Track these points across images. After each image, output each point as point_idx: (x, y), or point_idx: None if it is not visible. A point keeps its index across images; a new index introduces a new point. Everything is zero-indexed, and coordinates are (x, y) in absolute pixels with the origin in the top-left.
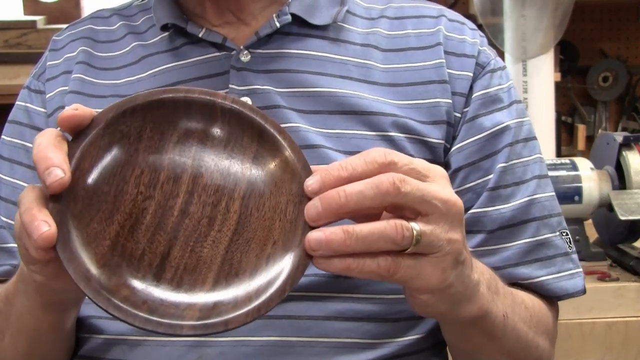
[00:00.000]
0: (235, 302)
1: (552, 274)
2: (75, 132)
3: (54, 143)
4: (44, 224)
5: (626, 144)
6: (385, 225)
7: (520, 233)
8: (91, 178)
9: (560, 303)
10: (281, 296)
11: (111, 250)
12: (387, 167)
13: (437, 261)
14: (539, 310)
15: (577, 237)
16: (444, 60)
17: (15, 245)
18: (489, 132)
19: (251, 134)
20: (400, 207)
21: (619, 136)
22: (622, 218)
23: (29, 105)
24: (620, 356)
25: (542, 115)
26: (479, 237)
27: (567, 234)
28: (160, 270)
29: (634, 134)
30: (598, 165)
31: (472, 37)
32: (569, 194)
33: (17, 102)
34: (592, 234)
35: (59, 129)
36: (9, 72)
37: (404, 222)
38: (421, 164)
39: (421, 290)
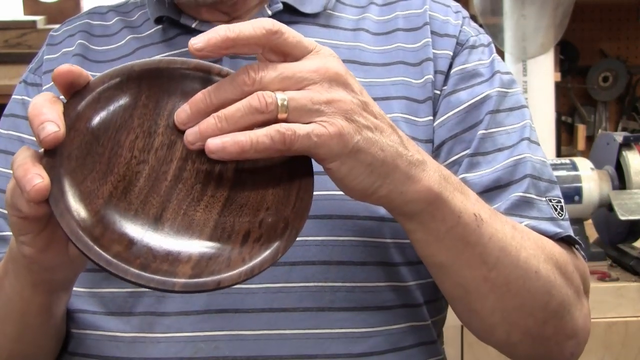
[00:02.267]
0: (228, 262)
1: (540, 220)
2: (71, 93)
3: (49, 101)
4: (37, 177)
5: (626, 144)
6: (248, 99)
7: (510, 191)
8: (86, 138)
9: None
10: (274, 259)
11: (104, 208)
12: (274, 34)
13: (327, 124)
14: (537, 237)
15: (577, 237)
16: (430, 40)
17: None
18: (468, 103)
19: None
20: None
21: (619, 136)
22: (622, 218)
23: (25, 98)
24: (620, 356)
25: (542, 115)
26: None
27: (558, 202)
28: (153, 230)
29: (634, 134)
30: (598, 165)
31: (455, 19)
32: (569, 194)
33: (13, 96)
34: (592, 234)
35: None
36: (9, 72)
37: (265, 92)
38: (308, 41)
39: (326, 158)
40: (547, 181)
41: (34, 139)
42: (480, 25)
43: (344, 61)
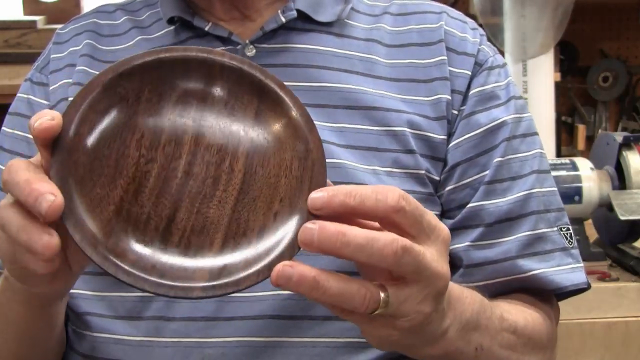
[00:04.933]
0: (245, 262)
1: (552, 267)
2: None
3: (27, 169)
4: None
5: (626, 144)
6: (357, 291)
7: (519, 226)
8: (91, 142)
9: (560, 303)
10: (292, 253)
11: (116, 215)
12: (397, 213)
13: (393, 323)
14: (533, 327)
15: (577, 237)
16: (445, 58)
17: None
18: (485, 128)
19: (251, 90)
20: (390, 269)
21: (619, 136)
22: (622, 218)
23: (31, 97)
24: (620, 356)
25: (542, 115)
26: (477, 231)
27: (567, 229)
28: (166, 233)
29: (634, 134)
30: (598, 165)
31: (472, 37)
32: (569, 194)
33: (18, 94)
34: (592, 234)
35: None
36: (9, 72)
37: (375, 294)
38: (429, 220)
39: (369, 335)
40: (556, 210)
41: None
42: (480, 26)
43: (356, 73)
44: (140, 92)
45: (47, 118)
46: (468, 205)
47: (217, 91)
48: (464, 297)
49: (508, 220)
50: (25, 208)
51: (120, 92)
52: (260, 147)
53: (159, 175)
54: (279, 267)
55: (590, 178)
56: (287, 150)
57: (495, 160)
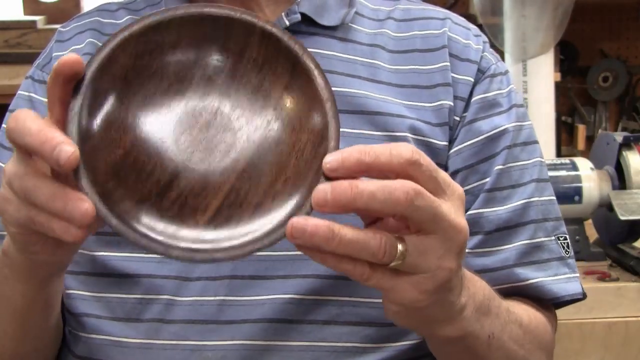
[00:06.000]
0: (228, 239)
1: (549, 277)
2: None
3: (40, 120)
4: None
5: (626, 144)
6: (372, 238)
7: (517, 235)
8: (114, 90)
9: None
10: (272, 238)
11: (122, 160)
12: (412, 165)
13: (417, 282)
14: (536, 326)
15: (577, 237)
16: (448, 64)
17: None
18: (486, 135)
19: (285, 63)
20: (404, 217)
21: (619, 136)
22: (622, 218)
23: (32, 94)
24: (620, 356)
25: (542, 115)
26: (477, 238)
27: (565, 239)
28: (166, 188)
29: (634, 134)
30: (598, 165)
31: (476, 44)
32: (569, 194)
33: (19, 92)
34: (592, 234)
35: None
36: (9, 72)
37: (392, 240)
38: (443, 177)
39: (393, 302)
40: (554, 219)
41: None
42: (480, 26)
43: (359, 78)
44: (177, 44)
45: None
46: (468, 213)
47: (253, 55)
48: (475, 279)
49: (507, 229)
50: (53, 174)
51: (157, 40)
52: (279, 123)
53: (175, 126)
54: (293, 220)
55: (590, 178)
56: (304, 132)
57: (496, 167)
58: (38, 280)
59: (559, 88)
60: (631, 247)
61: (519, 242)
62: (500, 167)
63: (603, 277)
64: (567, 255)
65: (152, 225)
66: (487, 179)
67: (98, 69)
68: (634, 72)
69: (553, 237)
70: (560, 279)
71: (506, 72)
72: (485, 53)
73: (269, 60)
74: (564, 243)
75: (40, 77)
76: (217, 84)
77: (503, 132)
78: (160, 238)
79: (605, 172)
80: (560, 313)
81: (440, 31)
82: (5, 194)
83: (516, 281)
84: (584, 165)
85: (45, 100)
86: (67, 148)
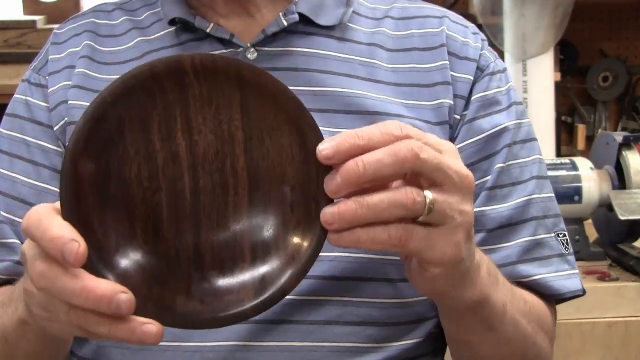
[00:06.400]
0: (281, 267)
1: (550, 273)
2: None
3: (49, 214)
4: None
5: (626, 144)
6: (396, 192)
7: (519, 232)
8: (95, 201)
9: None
10: (320, 247)
11: (148, 262)
12: (403, 140)
13: (450, 233)
14: (539, 307)
15: (577, 237)
16: (447, 62)
17: (16, 241)
18: (487, 134)
19: (229, 83)
20: (416, 175)
21: (619, 136)
22: (622, 218)
23: (29, 99)
24: (620, 356)
25: (542, 115)
26: (479, 237)
27: (564, 236)
28: (199, 258)
29: (634, 134)
30: (598, 165)
31: (474, 42)
32: (569, 194)
33: (15, 95)
34: (592, 234)
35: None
36: (9, 72)
37: (416, 189)
38: (434, 138)
39: (435, 263)
40: (554, 216)
41: (38, 142)
42: (480, 26)
43: (357, 78)
44: (121, 126)
45: (76, 248)
46: None
47: (197, 94)
48: (480, 252)
49: (509, 226)
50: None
51: (103, 136)
52: (255, 138)
53: (170, 203)
54: (323, 212)
55: (590, 178)
56: (283, 136)
57: (496, 166)
58: (58, 340)
59: (559, 88)
60: (631, 247)
61: (521, 239)
62: (501, 165)
63: (603, 277)
64: (567, 252)
65: (214, 295)
66: (488, 178)
67: (72, 187)
68: (634, 72)
69: (553, 234)
70: (562, 276)
71: (505, 70)
72: (484, 51)
73: (213, 89)
74: (564, 240)
75: (36, 80)
76: (178, 135)
77: (503, 131)
78: (231, 312)
79: (605, 172)
80: (561, 313)
81: (439, 30)
82: (43, 314)
83: (519, 278)
84: (584, 165)
85: (43, 103)
86: (123, 298)
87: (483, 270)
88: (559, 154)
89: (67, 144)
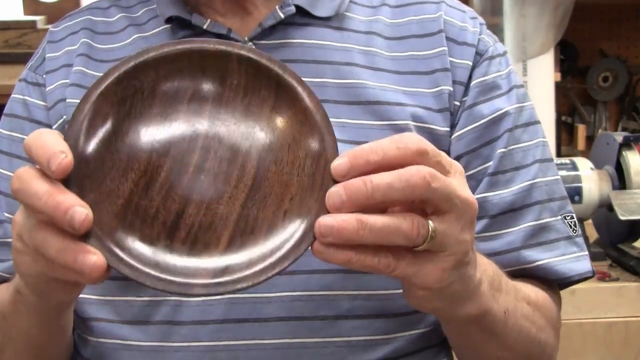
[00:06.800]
0: (249, 262)
1: (556, 257)
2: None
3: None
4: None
5: (626, 144)
6: (402, 220)
7: (523, 217)
8: (104, 134)
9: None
10: (296, 253)
11: (124, 209)
12: (420, 156)
13: (439, 261)
14: (543, 302)
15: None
16: (446, 48)
17: None
18: (488, 119)
19: (268, 84)
20: (422, 201)
21: (619, 136)
22: (622, 218)
23: (27, 98)
24: (620, 356)
25: (542, 115)
26: (482, 223)
27: (571, 218)
28: (174, 228)
29: (634, 134)
30: (598, 165)
31: (472, 26)
32: (569, 194)
33: (13, 95)
34: (592, 234)
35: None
36: (9, 72)
37: (421, 219)
38: (446, 157)
39: (419, 286)
40: (560, 199)
41: None
42: None
43: (356, 65)
44: (155, 85)
45: (62, 157)
46: None
47: (234, 83)
48: (481, 256)
49: (512, 211)
50: (56, 225)
51: (136, 84)
52: (275, 143)
53: (171, 170)
54: (320, 220)
55: (590, 178)
56: (301, 147)
57: (498, 151)
58: (54, 313)
59: (559, 88)
60: (631, 247)
61: (525, 224)
62: (503, 150)
63: (603, 277)
64: (575, 234)
65: (168, 266)
66: (490, 163)
67: (88, 115)
68: (634, 72)
69: (559, 217)
70: (569, 259)
71: (505, 53)
72: (482, 35)
73: (251, 85)
74: (571, 222)
75: (33, 79)
76: (204, 115)
77: (504, 115)
78: (178, 279)
79: (605, 172)
80: (561, 313)
81: (436, 15)
82: (18, 246)
83: (524, 263)
84: (584, 165)
85: (41, 102)
86: (79, 211)
87: (484, 285)
88: (559, 154)
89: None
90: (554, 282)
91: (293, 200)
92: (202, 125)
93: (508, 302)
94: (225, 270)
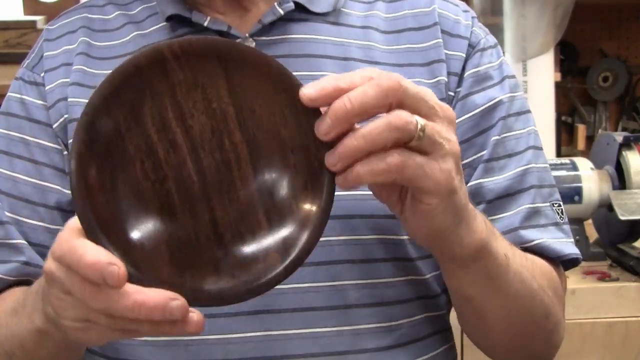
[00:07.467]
0: (298, 227)
1: (549, 238)
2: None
3: (80, 240)
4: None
5: (626, 144)
6: (388, 116)
7: (519, 200)
8: (111, 200)
9: None
10: (331, 198)
11: (171, 252)
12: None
13: (441, 160)
14: (542, 266)
15: (577, 237)
16: (441, 40)
17: (22, 241)
18: (482, 108)
19: (211, 62)
20: (401, 107)
21: (619, 136)
22: (622, 218)
23: (24, 97)
24: (620, 356)
25: (542, 115)
26: (479, 208)
27: (559, 206)
28: (218, 235)
29: (634, 134)
30: (598, 165)
31: (465, 19)
32: (569, 194)
33: (9, 94)
34: (592, 234)
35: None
36: (9, 72)
37: (406, 112)
38: (407, 81)
39: (430, 191)
40: (549, 186)
41: (37, 140)
42: None
43: (354, 60)
44: (117, 126)
45: (116, 271)
46: (468, 185)
47: (181, 77)
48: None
49: (508, 196)
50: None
51: (102, 140)
52: (246, 109)
53: (179, 189)
54: (327, 156)
55: (590, 178)
56: (273, 103)
57: (492, 139)
58: (76, 345)
59: (559, 88)
60: (631, 247)
61: (521, 207)
62: (497, 137)
63: (603, 277)
64: (562, 221)
65: (242, 269)
66: (485, 151)
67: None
68: (634, 72)
69: (548, 204)
70: (560, 242)
71: (496, 45)
72: (474, 28)
73: (196, 69)
74: (559, 210)
75: (30, 78)
76: (173, 126)
77: (498, 104)
78: (262, 278)
79: (605, 172)
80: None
81: (430, 9)
82: (58, 295)
83: (523, 242)
84: (584, 165)
85: (39, 101)
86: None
87: (479, 218)
88: (559, 154)
89: (69, 151)
90: (554, 260)
91: (295, 153)
92: (176, 133)
93: (506, 248)
94: (284, 243)
